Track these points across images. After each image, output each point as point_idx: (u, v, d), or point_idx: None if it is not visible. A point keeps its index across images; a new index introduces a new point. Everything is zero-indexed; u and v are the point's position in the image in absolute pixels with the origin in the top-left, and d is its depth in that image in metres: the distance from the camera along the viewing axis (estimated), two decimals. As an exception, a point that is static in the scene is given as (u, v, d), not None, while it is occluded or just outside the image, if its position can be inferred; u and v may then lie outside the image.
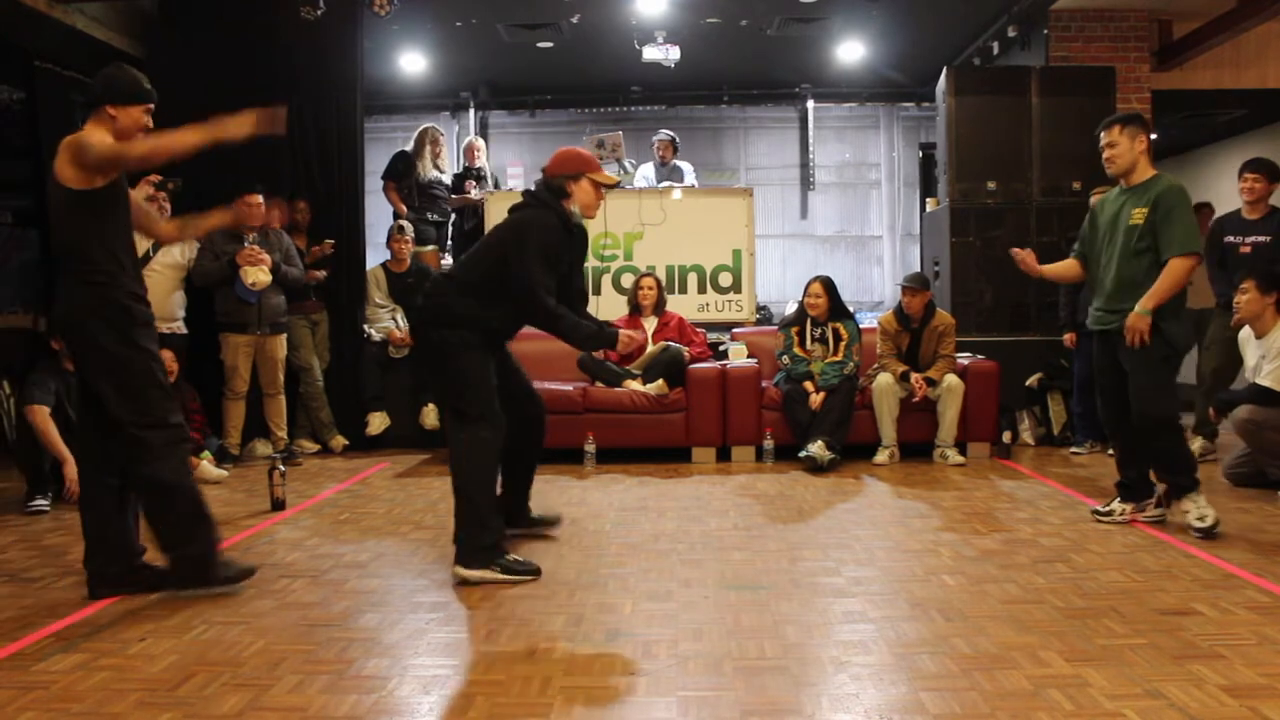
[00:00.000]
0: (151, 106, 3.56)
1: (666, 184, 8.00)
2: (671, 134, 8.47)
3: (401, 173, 7.78)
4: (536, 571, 3.64)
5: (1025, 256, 4.59)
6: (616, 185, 4.31)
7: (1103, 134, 4.30)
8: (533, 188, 4.01)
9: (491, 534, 3.63)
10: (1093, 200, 4.74)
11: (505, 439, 3.73)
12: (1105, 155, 4.29)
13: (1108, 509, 4.43)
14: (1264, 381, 4.90)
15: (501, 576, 3.56)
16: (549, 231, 3.79)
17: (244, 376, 6.23)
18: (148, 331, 3.53)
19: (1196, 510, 4.14)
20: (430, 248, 7.80)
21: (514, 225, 3.87)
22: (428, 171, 7.85)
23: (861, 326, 6.46)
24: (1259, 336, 5.11)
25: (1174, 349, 4.15)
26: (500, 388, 3.79)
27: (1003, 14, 8.03)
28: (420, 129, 7.95)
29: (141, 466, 3.44)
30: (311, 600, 3.42)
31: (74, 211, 3.41)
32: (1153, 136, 4.51)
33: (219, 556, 3.54)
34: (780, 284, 10.87)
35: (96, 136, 3.40)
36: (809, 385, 6.14)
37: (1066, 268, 4.63)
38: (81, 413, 3.72)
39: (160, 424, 3.43)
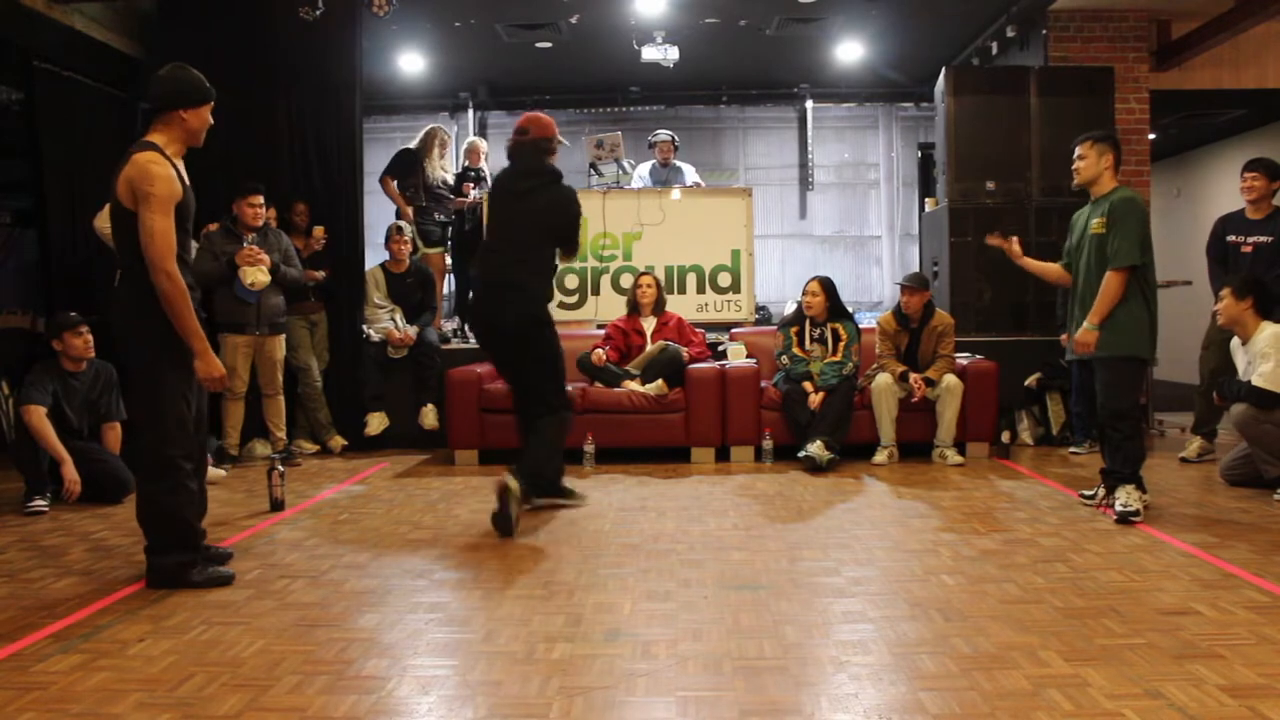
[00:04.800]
0: (213, 104, 3.69)
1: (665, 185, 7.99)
2: (671, 134, 8.43)
3: (405, 170, 7.73)
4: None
5: (1007, 244, 4.98)
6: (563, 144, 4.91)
7: (1076, 148, 4.66)
8: (536, 159, 4.63)
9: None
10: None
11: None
12: (1073, 166, 4.67)
13: (1091, 492, 4.78)
14: (1257, 382, 4.92)
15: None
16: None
17: (243, 377, 6.23)
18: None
19: (1125, 497, 4.43)
20: (438, 249, 7.80)
21: (566, 203, 4.66)
22: (435, 172, 7.80)
23: (861, 327, 6.46)
24: (1244, 342, 5.14)
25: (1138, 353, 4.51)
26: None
27: (1001, 14, 8.04)
28: (428, 129, 7.85)
29: (142, 477, 3.70)
30: (311, 600, 3.42)
31: (133, 223, 3.50)
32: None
33: (186, 573, 3.60)
34: (779, 284, 10.87)
35: (160, 205, 3.44)
36: (808, 385, 6.15)
37: (1048, 269, 4.96)
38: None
39: (163, 444, 3.59)
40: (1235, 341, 5.28)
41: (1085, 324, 4.49)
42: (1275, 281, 5.55)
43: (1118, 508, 4.41)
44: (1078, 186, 4.71)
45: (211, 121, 3.69)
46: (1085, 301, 4.57)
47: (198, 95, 3.62)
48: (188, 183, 3.63)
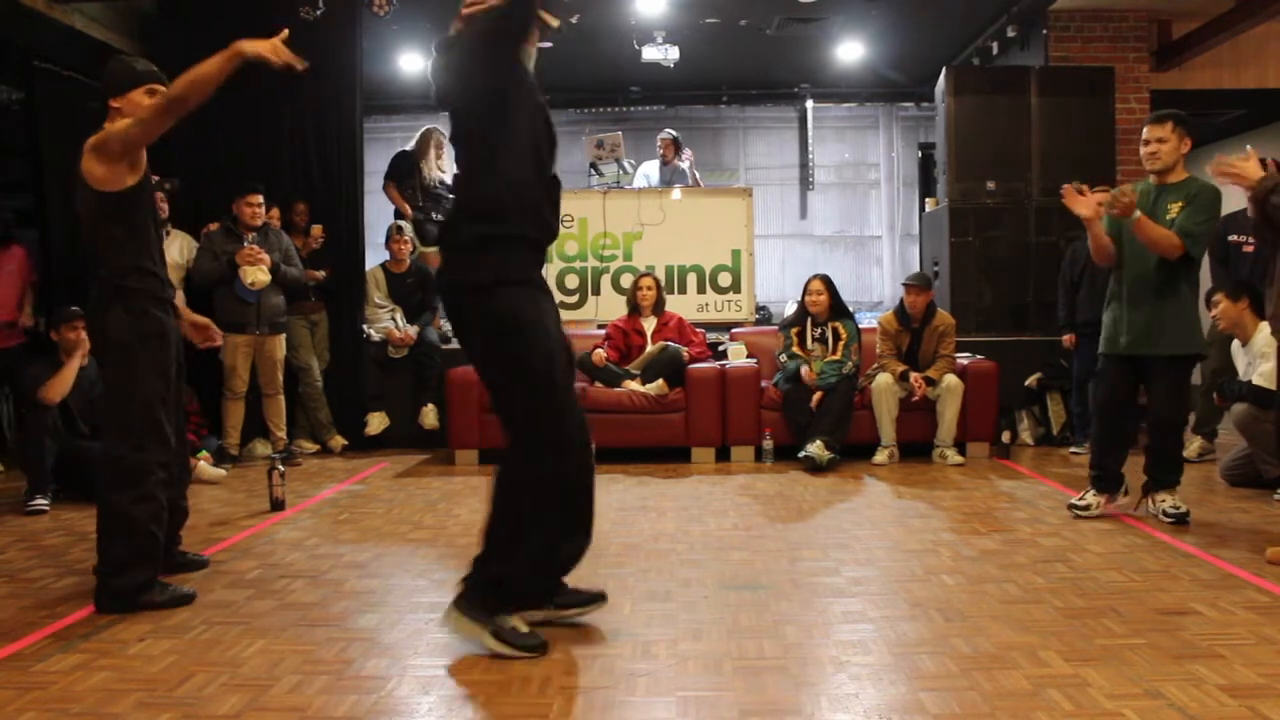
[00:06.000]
0: (154, 86, 3.48)
1: (668, 184, 8.00)
2: (674, 133, 8.45)
3: (404, 173, 7.76)
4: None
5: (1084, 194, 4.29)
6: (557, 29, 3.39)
7: (1151, 127, 4.23)
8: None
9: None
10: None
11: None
12: (1150, 149, 4.22)
13: (1084, 502, 4.52)
14: (1257, 381, 4.92)
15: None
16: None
17: (243, 376, 6.23)
18: (165, 345, 3.46)
19: (1172, 500, 4.39)
20: (434, 248, 7.80)
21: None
22: (432, 172, 7.81)
23: (861, 327, 6.47)
24: (1244, 343, 5.14)
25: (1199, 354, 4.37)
26: None
27: (1002, 14, 8.04)
28: (423, 130, 7.88)
29: (104, 488, 3.39)
30: (311, 600, 3.42)
31: (102, 216, 3.38)
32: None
33: (145, 594, 3.33)
34: (779, 284, 10.88)
35: (116, 128, 3.34)
36: (806, 372, 6.12)
37: (1108, 243, 4.38)
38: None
39: (133, 450, 3.35)
40: (1235, 343, 5.28)
41: (1127, 190, 4.06)
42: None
43: (1168, 509, 4.34)
44: (1154, 171, 4.26)
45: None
46: (1156, 284, 4.20)
47: (125, 82, 3.46)
48: (149, 174, 3.50)
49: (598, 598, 3.14)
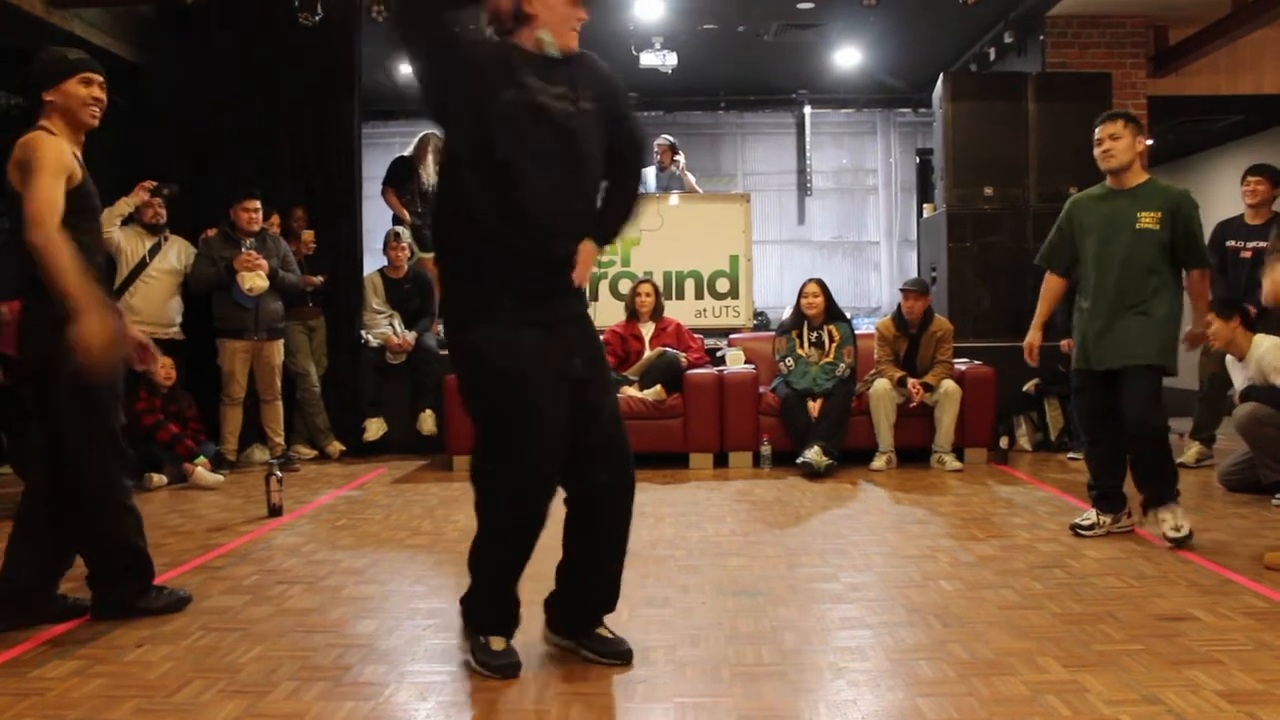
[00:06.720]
0: (88, 75, 3.20)
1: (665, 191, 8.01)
2: (671, 139, 8.48)
3: (402, 179, 7.76)
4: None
5: (1030, 353, 4.51)
6: None
7: (1104, 125, 4.15)
8: None
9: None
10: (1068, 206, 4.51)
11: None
12: (1104, 148, 4.12)
13: (1089, 521, 4.27)
14: None
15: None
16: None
17: (241, 382, 6.23)
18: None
19: (1173, 520, 4.07)
20: (432, 254, 7.80)
21: None
22: (430, 178, 7.81)
23: (858, 333, 6.48)
24: (1240, 359, 5.14)
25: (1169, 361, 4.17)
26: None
27: (999, 20, 8.07)
28: (421, 136, 7.88)
29: (77, 507, 3.24)
30: (308, 606, 3.42)
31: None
32: (1149, 142, 4.47)
33: (140, 600, 3.30)
34: (778, 290, 10.90)
35: (47, 170, 3.03)
36: (812, 405, 6.11)
37: (1053, 294, 4.49)
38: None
39: (96, 466, 3.20)
40: (1230, 359, 5.27)
41: (1211, 323, 4.32)
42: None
43: (1169, 533, 4.03)
44: (1111, 170, 4.15)
45: (95, 95, 3.20)
46: (1125, 295, 4.06)
47: (57, 72, 3.16)
48: (88, 175, 3.26)
49: (622, 656, 2.83)
